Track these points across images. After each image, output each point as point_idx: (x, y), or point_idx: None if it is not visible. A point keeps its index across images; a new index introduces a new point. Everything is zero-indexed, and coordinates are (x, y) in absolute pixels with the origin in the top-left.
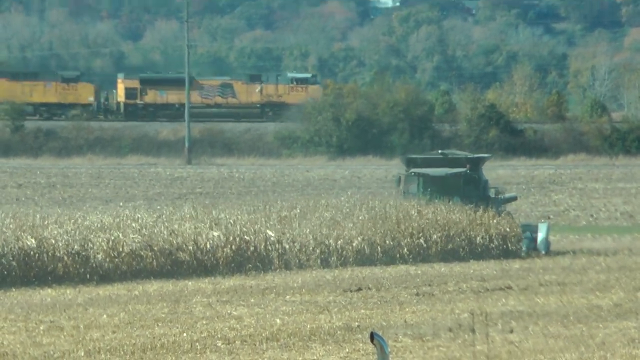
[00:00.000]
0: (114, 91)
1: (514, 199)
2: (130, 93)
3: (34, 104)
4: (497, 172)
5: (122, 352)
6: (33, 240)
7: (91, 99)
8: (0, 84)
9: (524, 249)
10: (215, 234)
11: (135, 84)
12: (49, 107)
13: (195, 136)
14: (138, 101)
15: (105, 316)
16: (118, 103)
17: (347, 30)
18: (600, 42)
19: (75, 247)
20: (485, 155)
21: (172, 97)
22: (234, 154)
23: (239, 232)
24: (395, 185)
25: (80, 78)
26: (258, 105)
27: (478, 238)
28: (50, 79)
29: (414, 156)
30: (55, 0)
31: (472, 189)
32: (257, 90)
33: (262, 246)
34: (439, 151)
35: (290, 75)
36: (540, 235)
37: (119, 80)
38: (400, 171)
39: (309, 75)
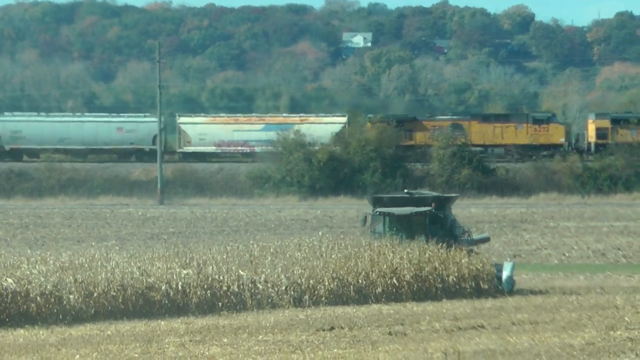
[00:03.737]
0: (585, 132)
1: (487, 240)
2: (601, 133)
3: (505, 146)
4: (470, 210)
5: None
6: (9, 281)
7: (562, 140)
8: (473, 126)
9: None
10: (185, 272)
11: (606, 123)
12: (520, 149)
13: (168, 176)
14: (609, 141)
15: (78, 356)
16: (589, 143)
17: (319, 70)
18: (571, 81)
19: (48, 287)
20: (453, 194)
21: None
22: (207, 194)
23: (211, 272)
24: (361, 225)
25: (551, 119)
26: None
27: (451, 277)
28: (521, 120)
29: (380, 195)
30: (27, 41)
31: (438, 228)
32: None
33: (235, 286)
34: (405, 190)
35: None
36: (505, 274)
37: (590, 120)
38: (366, 211)
39: None
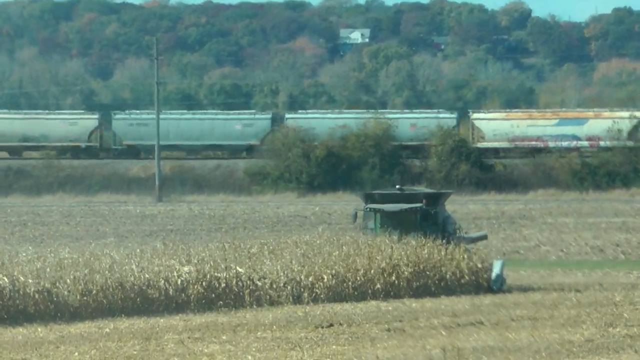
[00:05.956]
0: None
1: (484, 237)
2: None
3: None
4: (468, 207)
5: None
6: (5, 279)
7: None
8: None
9: None
10: (185, 269)
11: None
12: None
13: (166, 173)
14: None
15: (76, 354)
16: None
17: (317, 67)
18: (569, 77)
19: (46, 285)
20: (446, 191)
21: None
22: (205, 191)
23: (209, 269)
24: (352, 221)
25: None
26: None
27: (449, 273)
28: None
29: (371, 192)
30: (25, 38)
31: (429, 224)
32: None
33: (233, 283)
34: (397, 186)
35: None
36: (494, 273)
37: None
38: (357, 207)
39: None
